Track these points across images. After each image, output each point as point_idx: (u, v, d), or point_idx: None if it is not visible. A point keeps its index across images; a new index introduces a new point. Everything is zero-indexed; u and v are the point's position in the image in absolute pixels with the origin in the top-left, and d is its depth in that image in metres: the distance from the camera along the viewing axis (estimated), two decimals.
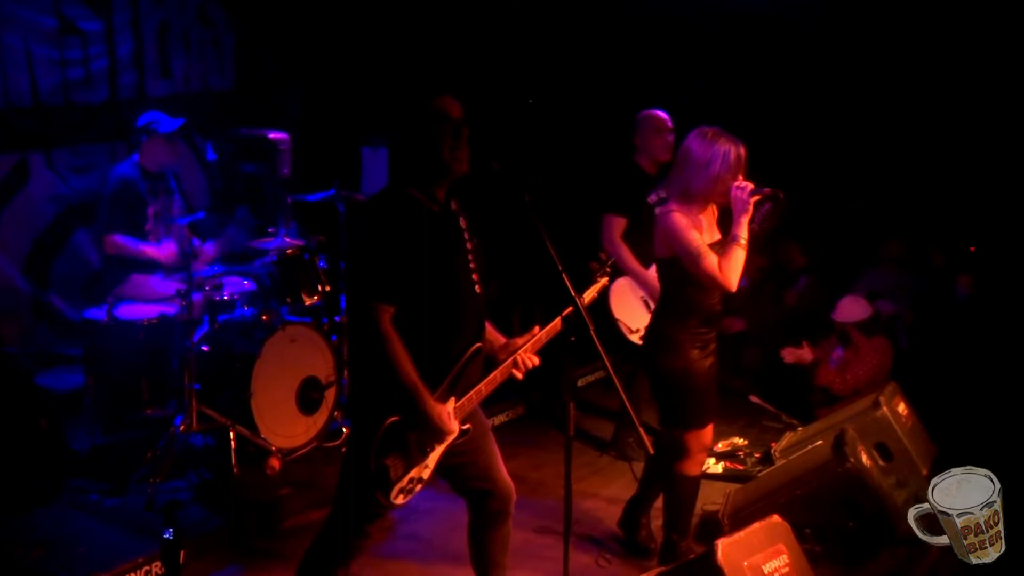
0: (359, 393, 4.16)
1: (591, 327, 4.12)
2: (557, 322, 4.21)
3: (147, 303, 6.20)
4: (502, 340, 4.29)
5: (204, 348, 6.10)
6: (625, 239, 6.19)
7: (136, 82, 7.70)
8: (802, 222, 7.82)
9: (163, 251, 6.23)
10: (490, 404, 6.88)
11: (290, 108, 8.40)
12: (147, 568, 5.04)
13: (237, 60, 8.33)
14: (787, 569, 4.32)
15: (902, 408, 5.80)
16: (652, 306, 6.02)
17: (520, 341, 4.24)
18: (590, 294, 4.44)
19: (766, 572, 4.25)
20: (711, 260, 4.75)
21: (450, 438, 4.06)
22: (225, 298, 6.28)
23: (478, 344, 4.15)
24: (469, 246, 4.14)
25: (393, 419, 3.96)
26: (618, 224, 6.19)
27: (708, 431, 5.09)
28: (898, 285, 7.69)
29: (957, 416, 6.40)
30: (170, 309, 6.08)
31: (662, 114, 6.37)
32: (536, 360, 4.23)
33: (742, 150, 4.79)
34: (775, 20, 8.21)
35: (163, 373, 6.13)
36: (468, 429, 4.15)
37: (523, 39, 8.73)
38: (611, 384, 4.21)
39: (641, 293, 6.29)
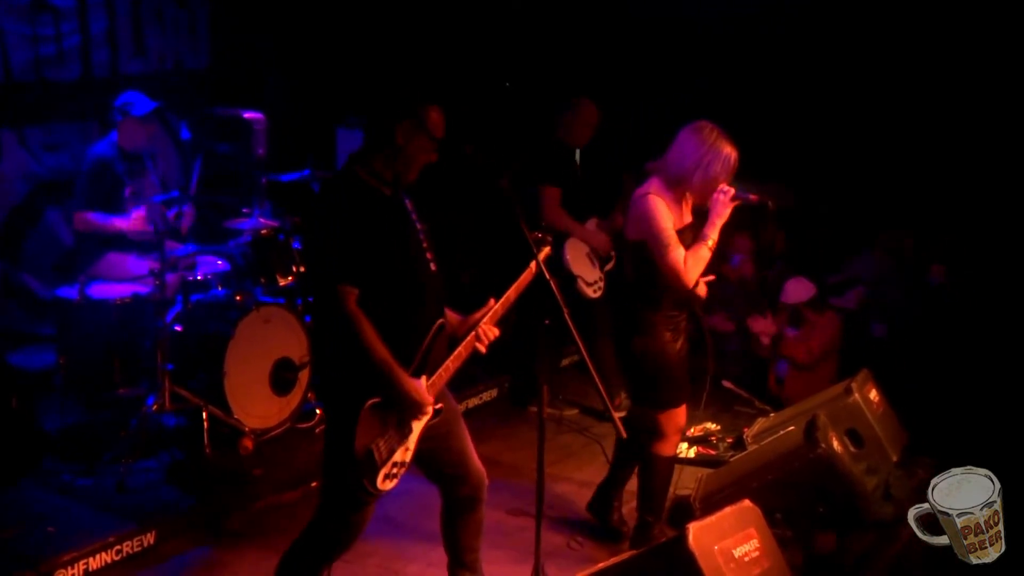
0: (331, 379, 4.13)
1: (566, 311, 4.14)
2: (511, 293, 4.27)
3: (120, 282, 6.16)
4: (459, 317, 4.31)
5: (177, 328, 6.08)
6: (562, 206, 6.79)
7: (110, 60, 7.63)
8: (794, 213, 7.90)
9: (129, 220, 6.17)
10: (465, 387, 6.96)
11: (265, 88, 8.35)
12: (118, 547, 5.04)
13: (212, 39, 8.26)
14: (757, 553, 4.35)
15: (874, 395, 5.84)
16: (596, 260, 6.90)
17: (478, 315, 4.26)
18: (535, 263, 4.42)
19: (736, 556, 4.27)
20: (678, 253, 4.78)
21: (428, 414, 4.07)
22: (199, 278, 6.27)
23: (441, 320, 4.17)
24: (419, 227, 4.16)
25: (373, 400, 3.96)
26: (555, 194, 6.76)
27: (681, 412, 5.12)
28: (887, 274, 7.74)
29: (929, 404, 6.45)
30: (143, 289, 6.05)
31: (594, 108, 6.96)
32: (497, 331, 4.27)
33: (734, 152, 4.82)
34: (773, 19, 8.23)
35: (135, 353, 6.10)
36: (441, 408, 4.17)
37: (521, 34, 8.72)
38: (586, 368, 4.23)
39: (587, 249, 6.93)
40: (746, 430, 6.37)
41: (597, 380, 4.20)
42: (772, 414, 6.56)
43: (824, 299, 7.32)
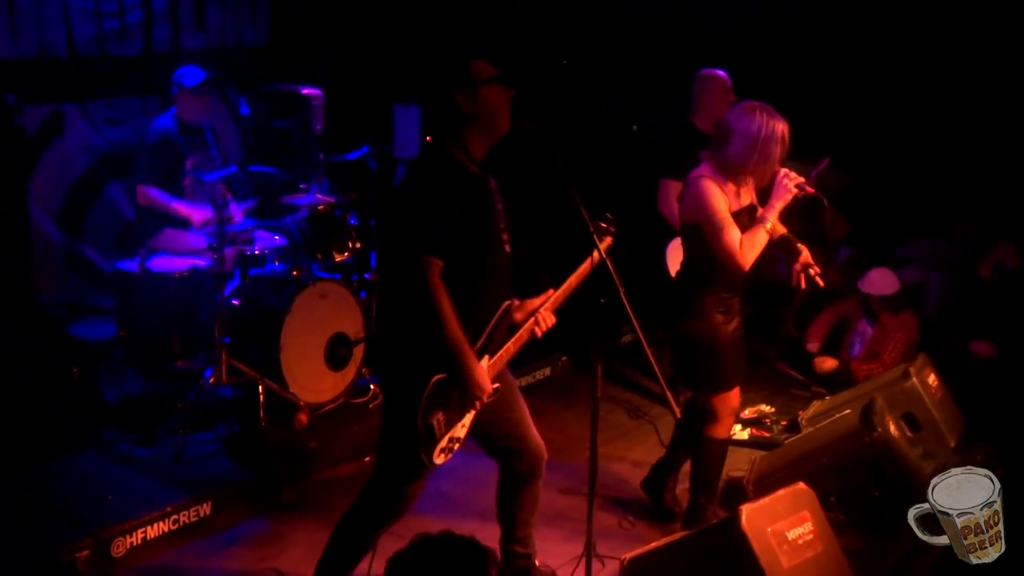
0: (398, 351, 4.13)
1: (621, 289, 4.13)
2: (571, 280, 4.31)
3: (179, 256, 6.25)
4: (517, 302, 4.32)
5: (235, 302, 6.14)
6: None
7: (171, 35, 7.71)
8: (848, 194, 7.78)
9: (196, 212, 6.27)
10: (517, 365, 6.94)
11: (324, 64, 8.38)
12: (175, 517, 5.12)
13: (272, 15, 8.32)
14: (811, 536, 4.32)
15: (932, 379, 5.76)
16: None
17: (537, 302, 4.29)
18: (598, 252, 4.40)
19: (790, 539, 4.25)
20: (733, 235, 4.71)
21: (486, 396, 4.08)
22: (256, 253, 6.32)
23: (508, 302, 4.19)
24: (499, 207, 4.18)
25: (440, 376, 3.99)
26: (675, 188, 6.19)
27: (735, 394, 5.09)
28: (932, 252, 7.62)
29: (988, 390, 6.35)
30: (202, 262, 6.12)
31: (725, 74, 6.41)
32: (554, 319, 4.29)
33: (787, 129, 4.75)
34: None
35: (194, 326, 6.18)
36: (499, 388, 4.18)
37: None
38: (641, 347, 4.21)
39: None
40: (801, 413, 6.32)
41: (652, 360, 4.18)
42: (827, 397, 6.50)
43: (905, 298, 7.01)
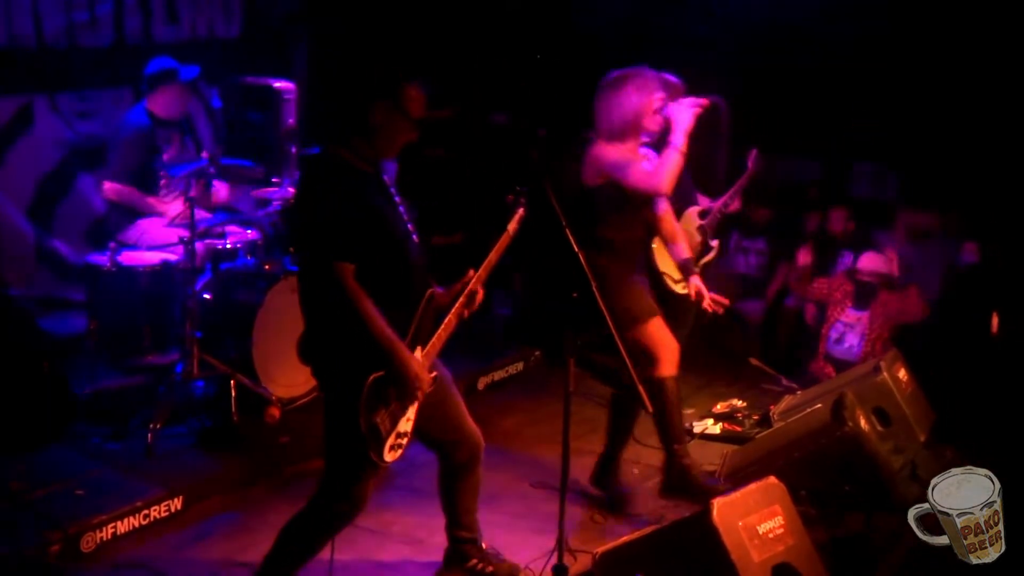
0: (331, 357, 4.12)
1: (594, 284, 4.14)
2: (491, 258, 4.33)
3: (150, 249, 6.21)
4: (439, 290, 4.32)
5: (206, 296, 6.11)
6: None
7: (142, 27, 7.63)
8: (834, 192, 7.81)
9: (169, 207, 6.24)
10: (491, 360, 6.96)
11: (297, 58, 8.34)
12: (145, 512, 5.09)
13: (245, 8, 8.27)
14: (782, 530, 4.34)
15: (902, 374, 5.81)
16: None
17: (459, 285, 4.30)
18: (512, 225, 4.44)
19: (760, 533, 4.27)
20: (638, 167, 4.84)
21: (426, 387, 4.10)
22: (228, 246, 6.29)
23: (431, 290, 4.20)
24: (398, 199, 4.18)
25: (377, 375, 3.99)
26: None
27: (658, 326, 5.17)
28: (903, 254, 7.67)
29: (959, 384, 6.40)
30: (173, 256, 6.09)
31: (678, 80, 6.45)
32: (480, 295, 4.32)
33: (649, 72, 4.88)
34: None
35: (165, 320, 6.13)
36: (437, 376, 4.20)
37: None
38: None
39: None
40: (772, 407, 6.36)
41: (625, 355, 4.20)
42: (799, 392, 6.54)
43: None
